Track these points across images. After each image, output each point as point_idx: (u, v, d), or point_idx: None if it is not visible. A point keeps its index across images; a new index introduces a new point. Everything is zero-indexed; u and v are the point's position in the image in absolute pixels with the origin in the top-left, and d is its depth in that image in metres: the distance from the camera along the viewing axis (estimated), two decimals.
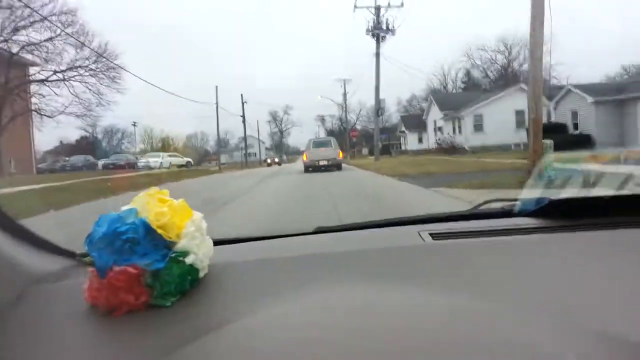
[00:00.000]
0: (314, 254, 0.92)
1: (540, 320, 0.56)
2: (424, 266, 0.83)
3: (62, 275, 0.84)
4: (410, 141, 54.17)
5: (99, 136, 67.90)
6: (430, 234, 0.98)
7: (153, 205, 0.78)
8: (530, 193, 1.10)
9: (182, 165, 36.87)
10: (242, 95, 52.78)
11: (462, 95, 45.93)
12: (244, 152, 54.94)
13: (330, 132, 79.58)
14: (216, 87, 40.70)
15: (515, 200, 1.15)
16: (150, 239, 0.74)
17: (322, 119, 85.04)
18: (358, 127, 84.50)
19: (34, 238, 0.87)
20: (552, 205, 1.00)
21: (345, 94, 53.46)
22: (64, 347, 0.65)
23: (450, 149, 32.79)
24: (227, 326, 0.60)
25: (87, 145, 58.56)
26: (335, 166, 19.61)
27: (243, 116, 51.87)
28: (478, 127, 34.05)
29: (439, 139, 38.27)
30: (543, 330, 0.53)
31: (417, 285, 0.74)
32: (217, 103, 39.68)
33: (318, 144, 21.05)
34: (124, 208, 0.77)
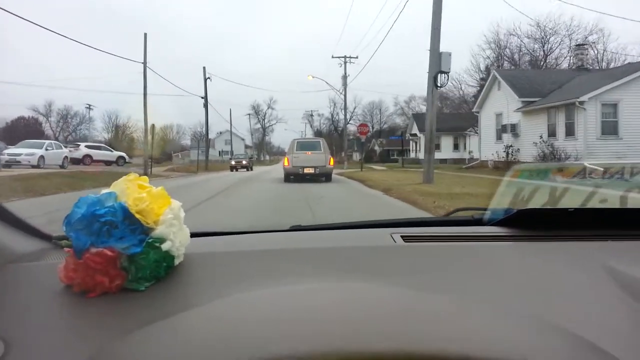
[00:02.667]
0: (287, 248, 0.98)
1: (486, 316, 0.63)
2: (392, 265, 0.90)
3: (38, 256, 0.88)
4: (425, 148, 43.93)
5: (53, 119, 60.15)
6: (402, 236, 1.06)
7: (132, 191, 0.82)
8: (500, 203, 1.21)
9: (111, 162, 28.56)
10: (204, 68, 37.63)
11: (552, 73, 27.81)
12: (201, 149, 38.99)
13: (318, 133, 69.86)
14: (145, 34, 24.28)
15: (485, 209, 1.24)
16: (128, 223, 0.78)
17: (310, 116, 76.43)
18: (352, 128, 67.33)
19: (13, 219, 0.90)
20: (519, 216, 1.09)
21: (345, 77, 38.38)
22: (37, 323, 0.68)
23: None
24: (193, 309, 0.64)
25: (25, 127, 49.67)
26: (323, 176, 16.21)
27: (205, 97, 37.10)
28: (609, 127, 18.50)
29: (510, 146, 22.65)
30: (485, 324, 0.59)
31: (383, 282, 0.80)
32: (145, 62, 23.88)
33: (304, 145, 17.07)
34: (104, 191, 0.81)
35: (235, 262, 0.90)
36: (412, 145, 48.68)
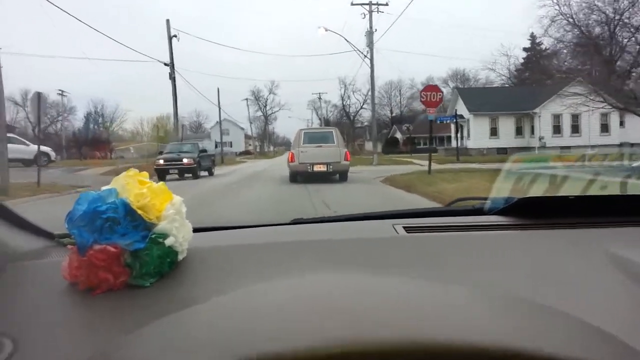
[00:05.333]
0: (290, 241, 1.01)
1: (488, 305, 0.65)
2: (395, 256, 0.93)
3: (41, 254, 0.91)
4: (477, 134, 32.63)
5: (29, 109, 53.82)
6: (404, 227, 1.09)
7: (133, 187, 0.84)
8: (501, 192, 1.27)
9: (29, 161, 20.31)
10: (167, 21, 27.09)
11: None
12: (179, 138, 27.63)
13: (326, 122, 62.78)
14: None
15: (486, 199, 1.28)
16: (130, 220, 0.80)
17: (318, 98, 66.64)
18: (365, 113, 60.70)
19: (14, 217, 0.93)
20: (519, 204, 1.13)
21: (371, 32, 27.77)
22: (43, 322, 0.71)
23: None
24: (198, 304, 0.67)
25: None
26: (338, 173, 14.11)
27: (171, 64, 26.65)
28: None
29: None
30: (490, 313, 0.61)
31: (386, 273, 0.83)
32: None
33: (313, 137, 14.50)
34: (104, 188, 0.83)
35: (238, 255, 0.92)
36: (452, 130, 36.03)
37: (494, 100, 33.03)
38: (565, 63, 27.93)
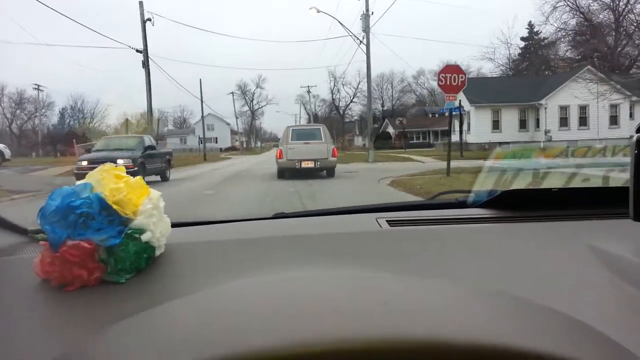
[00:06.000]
0: (271, 236, 1.01)
1: (473, 300, 0.64)
2: (379, 250, 0.93)
3: (13, 250, 0.90)
4: (478, 127, 30.48)
5: (5, 104, 50.37)
6: (387, 221, 1.09)
7: (108, 181, 0.83)
8: (484, 185, 1.29)
9: None
10: (140, 3, 24.48)
11: None
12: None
13: (314, 117, 63.99)
14: None
15: (469, 192, 1.28)
16: (105, 215, 0.79)
17: (307, 91, 65.65)
18: (355, 107, 61.30)
19: None
20: (502, 197, 1.13)
21: (367, 15, 25.30)
22: (14, 319, 0.70)
23: None
24: (174, 300, 0.66)
25: None
26: (325, 170, 14.55)
27: (145, 50, 24.09)
28: None
29: None
30: (476, 309, 0.60)
31: (370, 268, 0.83)
32: None
33: (301, 134, 14.94)
34: (79, 182, 0.82)
35: (219, 251, 0.91)
36: (457, 124, 31.82)
37: (496, 91, 30.90)
38: (567, 52, 27.10)
